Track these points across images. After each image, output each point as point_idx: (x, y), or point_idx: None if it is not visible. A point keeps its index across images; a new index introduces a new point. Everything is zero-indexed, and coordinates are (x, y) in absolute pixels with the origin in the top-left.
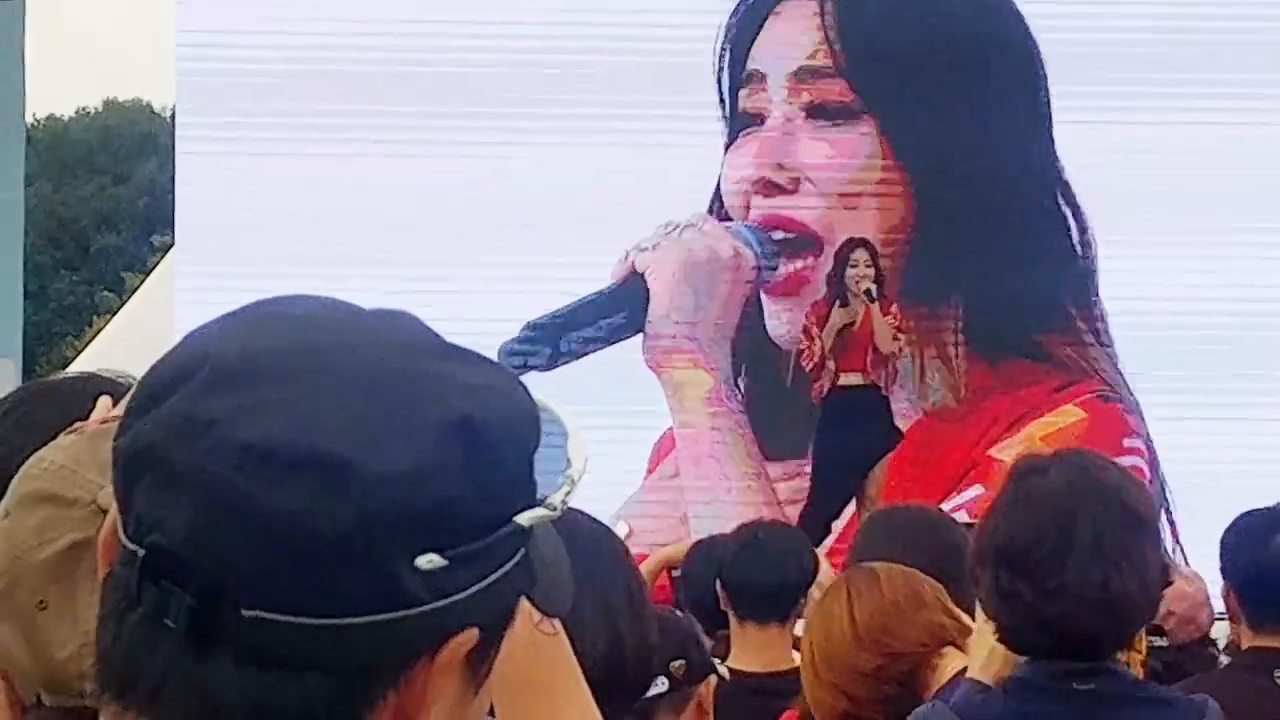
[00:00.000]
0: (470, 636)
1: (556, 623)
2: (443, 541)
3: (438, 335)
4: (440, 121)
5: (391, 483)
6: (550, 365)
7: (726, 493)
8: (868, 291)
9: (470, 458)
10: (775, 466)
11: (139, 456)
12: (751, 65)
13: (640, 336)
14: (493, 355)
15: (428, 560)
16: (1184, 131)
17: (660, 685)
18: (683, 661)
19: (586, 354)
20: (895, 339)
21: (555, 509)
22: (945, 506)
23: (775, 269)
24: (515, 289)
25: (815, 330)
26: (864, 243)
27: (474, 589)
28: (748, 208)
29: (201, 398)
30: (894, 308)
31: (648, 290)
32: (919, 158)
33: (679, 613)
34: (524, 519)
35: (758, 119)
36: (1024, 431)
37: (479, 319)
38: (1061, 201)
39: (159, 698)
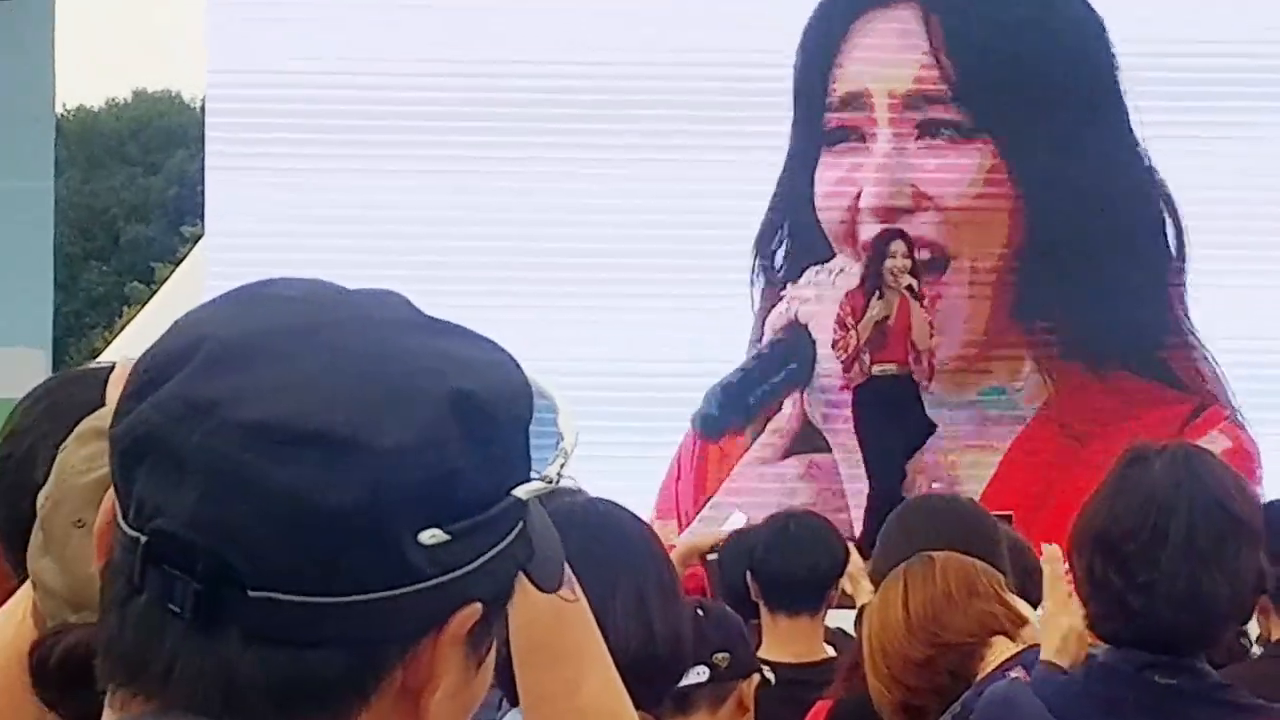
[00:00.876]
0: (474, 611)
1: (577, 589)
2: (444, 516)
3: (426, 313)
4: (461, 138)
5: (394, 458)
6: (745, 423)
7: None
8: (910, 287)
9: (468, 432)
10: None
11: (139, 441)
12: (848, 82)
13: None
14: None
15: (430, 535)
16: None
17: (700, 675)
18: (727, 654)
19: (771, 404)
20: (931, 335)
21: (551, 481)
22: None
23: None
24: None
25: (851, 321)
26: (900, 233)
27: (476, 563)
28: (855, 230)
29: (200, 380)
30: (926, 300)
31: (813, 340)
32: (1034, 176)
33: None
34: (521, 492)
35: (858, 137)
36: None
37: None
38: (1165, 218)
39: (169, 682)
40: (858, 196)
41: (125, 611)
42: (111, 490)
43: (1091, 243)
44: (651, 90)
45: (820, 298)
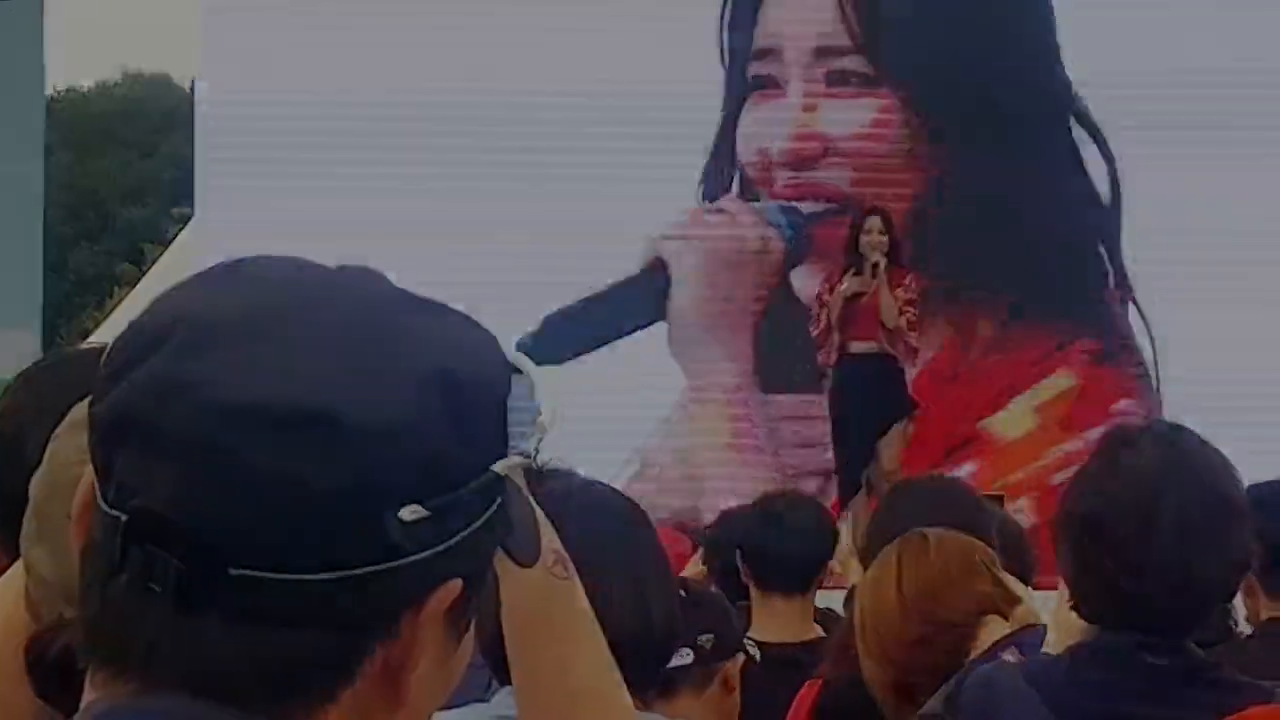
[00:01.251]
0: (454, 587)
1: (570, 567)
2: (425, 492)
3: (405, 290)
4: (451, 130)
5: (377, 435)
6: (569, 357)
7: (741, 466)
8: (875, 264)
9: (450, 408)
10: (790, 434)
11: (119, 422)
12: (765, 35)
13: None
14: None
15: (411, 511)
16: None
17: (685, 657)
18: (711, 636)
19: (603, 343)
20: (901, 313)
21: (529, 456)
22: None
23: (809, 243)
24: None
25: (826, 297)
26: (879, 210)
27: (456, 539)
28: (770, 177)
29: (180, 359)
30: (907, 279)
31: (669, 278)
32: (941, 126)
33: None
34: (500, 467)
35: (774, 88)
36: (1012, 404)
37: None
38: (1081, 170)
39: (151, 661)
40: (772, 144)
41: (106, 591)
42: (89, 472)
43: (1002, 192)
44: (618, 107)
45: (691, 235)
